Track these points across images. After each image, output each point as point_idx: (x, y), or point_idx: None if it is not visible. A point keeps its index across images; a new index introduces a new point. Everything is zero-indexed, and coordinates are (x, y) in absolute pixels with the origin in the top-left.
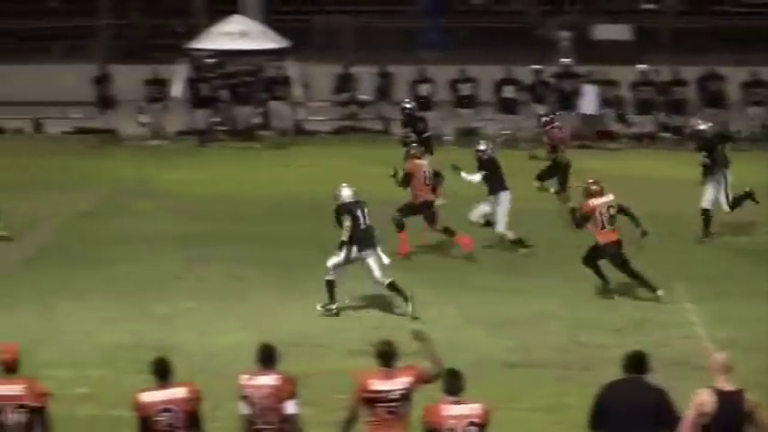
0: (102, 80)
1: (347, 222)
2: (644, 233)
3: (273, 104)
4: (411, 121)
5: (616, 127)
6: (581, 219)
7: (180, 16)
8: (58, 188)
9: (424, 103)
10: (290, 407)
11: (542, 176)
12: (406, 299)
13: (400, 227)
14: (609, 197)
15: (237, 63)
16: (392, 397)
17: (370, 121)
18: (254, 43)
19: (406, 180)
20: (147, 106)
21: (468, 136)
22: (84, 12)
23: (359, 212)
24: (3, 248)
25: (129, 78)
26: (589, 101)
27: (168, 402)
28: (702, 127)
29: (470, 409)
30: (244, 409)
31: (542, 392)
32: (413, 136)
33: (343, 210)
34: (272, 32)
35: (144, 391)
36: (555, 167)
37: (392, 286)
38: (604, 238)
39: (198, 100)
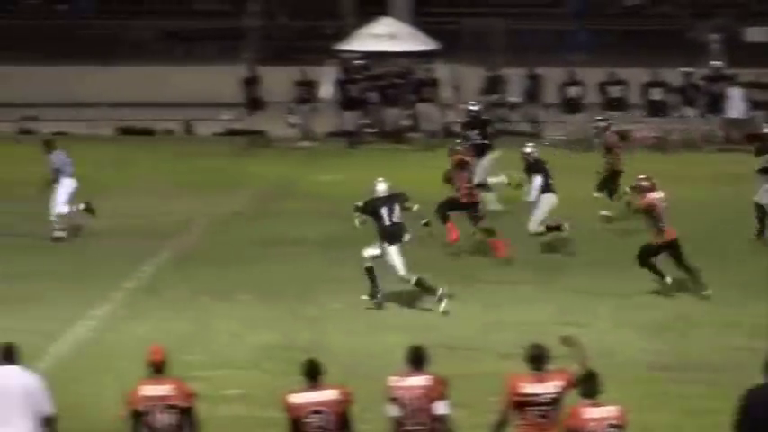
0: (251, 81)
1: (362, 218)
2: None
3: (422, 107)
4: (476, 123)
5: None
6: (645, 216)
7: (329, 18)
8: (208, 189)
9: (574, 106)
10: (441, 407)
11: (601, 187)
12: (374, 294)
13: (444, 219)
14: (661, 193)
15: (386, 65)
16: (543, 400)
17: (519, 123)
18: (402, 45)
19: (449, 177)
20: (296, 107)
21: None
22: (234, 13)
23: (383, 210)
24: (154, 248)
25: (278, 80)
26: (736, 104)
27: (319, 404)
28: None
29: (608, 411)
30: (393, 411)
31: (691, 395)
32: (477, 138)
33: (368, 205)
34: (420, 34)
35: (294, 392)
36: (612, 175)
37: (370, 271)
38: (664, 235)
39: (347, 101)
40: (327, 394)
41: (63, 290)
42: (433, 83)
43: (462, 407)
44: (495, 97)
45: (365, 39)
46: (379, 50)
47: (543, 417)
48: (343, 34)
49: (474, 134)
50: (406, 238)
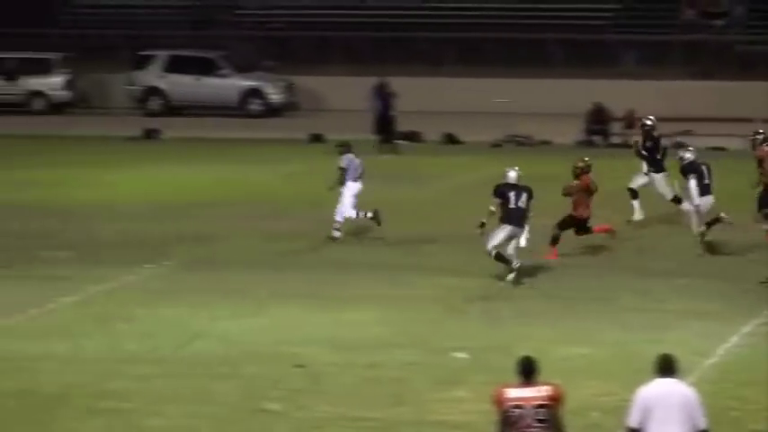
0: None
1: (498, 201)
2: None
3: None
4: (648, 138)
5: None
6: None
7: None
8: None
9: None
10: None
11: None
12: (513, 270)
13: (555, 240)
14: None
15: None
16: None
17: None
18: None
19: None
20: None
21: None
22: None
23: (511, 194)
24: None
25: None
26: None
27: None
28: None
29: None
30: None
31: None
32: (645, 153)
33: (497, 189)
34: None
35: None
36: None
37: (499, 257)
38: None
39: None
40: None
41: (722, 306)
42: None
43: None
44: None
45: None
46: None
47: None
48: None
49: (643, 148)
50: (525, 231)
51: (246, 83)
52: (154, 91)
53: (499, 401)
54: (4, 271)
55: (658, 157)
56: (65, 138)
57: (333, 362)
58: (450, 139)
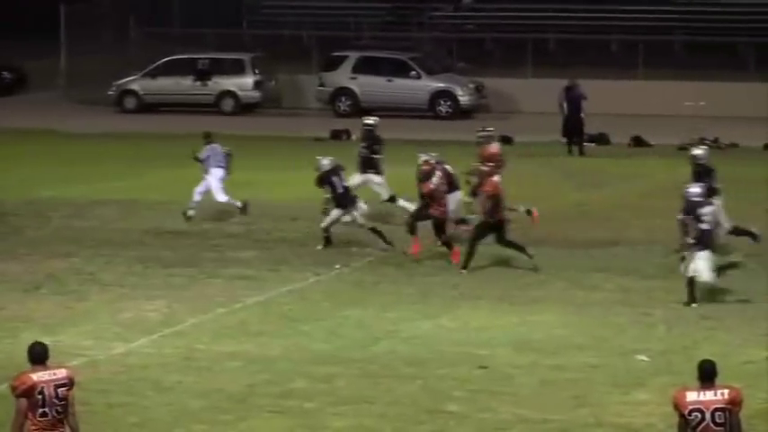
0: None
1: (328, 188)
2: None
3: None
4: (368, 137)
5: None
6: None
7: None
8: None
9: None
10: None
11: None
12: (389, 243)
13: (412, 231)
14: None
15: None
16: None
17: None
18: None
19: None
20: None
21: None
22: None
23: (335, 179)
24: None
25: None
26: None
27: None
28: None
29: None
30: None
31: None
32: (364, 152)
33: (323, 179)
34: None
35: None
36: None
37: (374, 230)
38: None
39: None
40: None
41: None
42: None
43: None
44: None
45: None
46: None
47: None
48: None
49: (362, 147)
50: (362, 207)
51: (436, 84)
52: (344, 92)
53: (679, 405)
54: (192, 270)
55: (375, 157)
56: (251, 138)
57: (516, 364)
58: (638, 142)
